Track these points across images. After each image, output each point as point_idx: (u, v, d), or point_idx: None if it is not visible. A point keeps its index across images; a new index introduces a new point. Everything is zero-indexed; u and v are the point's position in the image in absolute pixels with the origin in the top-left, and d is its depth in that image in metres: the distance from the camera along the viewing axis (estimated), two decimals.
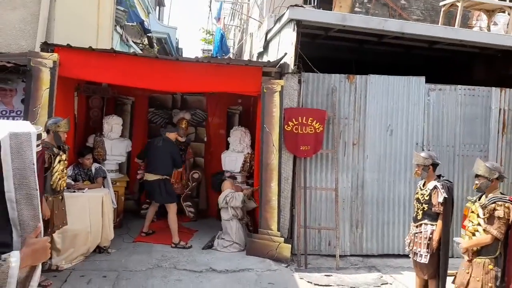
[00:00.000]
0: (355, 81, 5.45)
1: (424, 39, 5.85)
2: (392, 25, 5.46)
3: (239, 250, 5.20)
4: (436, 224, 3.66)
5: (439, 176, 3.83)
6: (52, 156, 3.91)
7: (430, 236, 3.66)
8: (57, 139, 3.97)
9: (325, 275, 4.65)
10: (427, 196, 3.72)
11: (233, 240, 5.23)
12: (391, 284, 4.54)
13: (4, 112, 4.89)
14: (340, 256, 5.07)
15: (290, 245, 5.05)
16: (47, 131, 4.01)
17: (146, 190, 5.76)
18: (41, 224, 1.40)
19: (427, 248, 3.67)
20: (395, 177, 5.50)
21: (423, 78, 5.55)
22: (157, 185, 5.33)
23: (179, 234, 5.37)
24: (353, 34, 5.93)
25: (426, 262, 3.68)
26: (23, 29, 5.26)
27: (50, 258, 4.30)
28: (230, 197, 5.30)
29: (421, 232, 3.74)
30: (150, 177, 5.37)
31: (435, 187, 3.68)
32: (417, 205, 3.82)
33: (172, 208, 5.36)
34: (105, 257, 4.72)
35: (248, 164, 6.01)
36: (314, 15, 5.35)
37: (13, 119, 4.85)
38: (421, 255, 3.71)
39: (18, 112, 4.87)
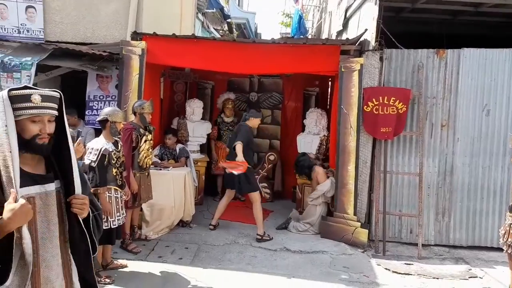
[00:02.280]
0: (446, 56, 4.95)
1: None
2: None
3: (314, 233, 5.16)
4: None
5: None
6: (139, 136, 4.27)
7: None
8: (142, 120, 4.32)
9: (405, 263, 4.41)
10: None
11: (313, 224, 5.18)
12: (481, 278, 4.13)
13: (101, 97, 5.44)
14: (423, 245, 4.75)
15: (367, 230, 4.88)
16: (134, 113, 4.38)
17: (225, 180, 5.19)
18: (14, 190, 1.31)
19: None
20: (491, 162, 4.93)
21: None
22: (237, 174, 4.88)
23: (252, 213, 5.48)
24: (445, 5, 5.36)
25: None
26: (116, 20, 5.77)
27: (140, 228, 4.75)
28: (329, 189, 5.20)
29: None
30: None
31: None
32: None
33: (254, 197, 4.97)
34: (187, 231, 5.07)
35: (324, 146, 5.89)
36: None
37: (109, 103, 5.38)
38: None
39: (113, 97, 5.39)
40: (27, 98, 1.35)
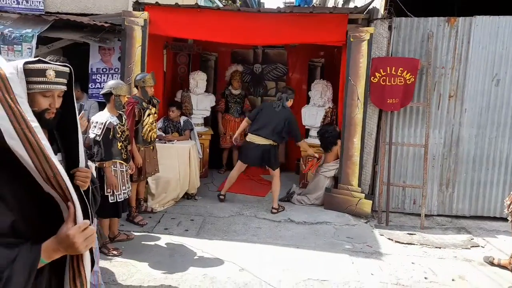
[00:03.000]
0: (457, 24, 4.80)
1: None
2: None
3: (317, 204, 5.21)
4: None
5: None
6: (142, 110, 4.25)
7: None
8: (144, 93, 4.28)
9: (408, 233, 4.47)
10: None
11: (320, 196, 5.21)
12: (483, 247, 4.19)
13: (104, 70, 5.39)
14: (426, 215, 4.79)
15: (371, 201, 4.92)
16: (136, 87, 4.34)
17: (244, 152, 5.09)
18: (71, 205, 1.11)
19: None
20: (498, 133, 4.88)
21: None
22: (267, 150, 4.90)
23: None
24: None
25: None
26: None
27: (146, 201, 4.83)
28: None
29: None
30: (260, 140, 4.89)
31: None
32: None
33: (277, 172, 5.01)
34: (192, 203, 5.14)
35: (329, 119, 5.84)
36: None
37: (112, 76, 5.33)
38: None
39: (116, 69, 5.33)
40: (42, 72, 1.33)
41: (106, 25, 4.85)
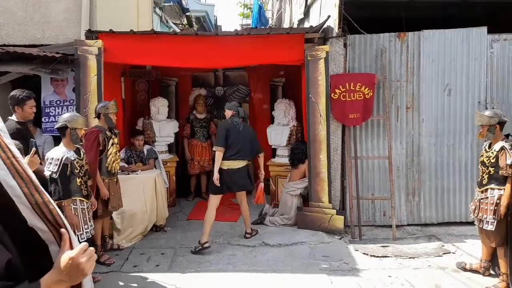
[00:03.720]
0: (407, 39, 5.03)
1: None
2: None
3: (290, 225, 5.15)
4: (503, 189, 3.35)
5: (507, 136, 3.47)
6: (106, 138, 4.05)
7: (498, 201, 3.36)
8: (108, 121, 4.09)
9: (382, 246, 4.49)
10: (493, 159, 3.39)
11: (291, 218, 5.16)
12: (454, 253, 4.28)
13: (58, 102, 5.13)
14: (396, 226, 4.86)
15: (343, 217, 4.93)
16: (97, 116, 4.15)
17: (228, 181, 4.55)
18: (64, 230, 1.04)
19: (494, 214, 3.38)
20: (455, 140, 5.09)
21: (484, 29, 4.99)
22: (244, 171, 4.65)
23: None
24: None
25: (493, 229, 3.40)
26: (68, 19, 5.43)
27: (112, 238, 4.55)
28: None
29: (487, 197, 3.45)
30: (236, 164, 4.56)
31: (502, 148, 3.34)
32: (482, 169, 3.51)
33: (244, 196, 4.79)
34: (162, 235, 4.91)
35: (294, 137, 5.86)
36: None
37: (67, 108, 5.08)
38: (487, 222, 3.44)
39: (71, 101, 5.09)
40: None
41: (57, 55, 4.63)
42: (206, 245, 4.37)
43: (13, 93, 3.74)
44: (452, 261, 4.04)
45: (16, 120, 3.66)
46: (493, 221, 3.40)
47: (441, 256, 4.21)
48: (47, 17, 5.41)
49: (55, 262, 1.00)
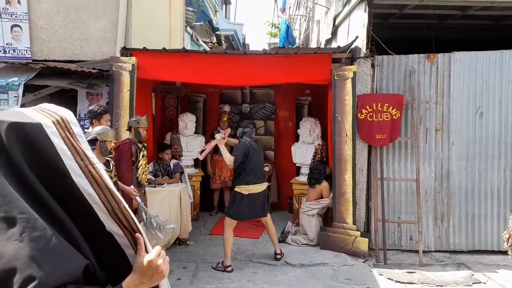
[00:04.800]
0: (437, 61, 4.97)
1: None
2: None
3: (313, 245, 5.08)
4: None
5: None
6: (138, 150, 4.18)
7: None
8: (138, 135, 4.24)
9: (407, 272, 4.35)
10: None
11: (313, 236, 5.10)
12: (484, 283, 4.09)
13: None
14: (424, 251, 4.70)
15: (367, 239, 4.82)
16: (129, 129, 4.31)
17: (248, 207, 4.39)
18: (139, 235, 1.06)
19: None
20: (487, 165, 4.92)
21: None
22: (265, 195, 4.51)
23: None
24: (432, 9, 5.40)
25: None
26: (105, 36, 5.71)
27: None
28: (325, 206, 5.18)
29: None
30: (257, 188, 4.38)
31: None
32: None
33: (269, 216, 4.67)
34: (184, 249, 4.95)
35: (319, 155, 5.84)
36: None
37: None
38: None
39: None
40: None
41: (93, 71, 4.86)
42: (229, 269, 4.28)
43: (91, 107, 4.06)
44: None
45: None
46: None
47: (471, 286, 4.03)
48: (86, 35, 5.71)
49: (134, 265, 1.04)
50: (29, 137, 0.94)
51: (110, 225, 1.03)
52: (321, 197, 5.22)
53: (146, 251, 1.06)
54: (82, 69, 4.78)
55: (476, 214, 4.93)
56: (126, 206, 1.07)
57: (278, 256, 4.62)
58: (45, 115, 1.00)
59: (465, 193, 4.95)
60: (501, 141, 4.87)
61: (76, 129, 1.05)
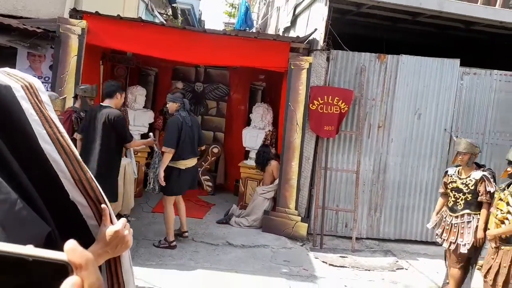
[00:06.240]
0: (386, 61, 5.25)
1: (462, 19, 5.54)
2: (431, 3, 5.16)
3: (256, 227, 5.24)
4: (478, 214, 3.56)
5: (478, 165, 3.70)
6: (79, 119, 3.98)
7: (476, 225, 3.55)
8: (84, 104, 4.03)
9: (340, 256, 4.66)
10: (472, 186, 3.58)
11: (258, 220, 5.23)
12: (406, 269, 4.51)
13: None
14: (356, 238, 5.05)
15: (307, 224, 5.06)
16: (75, 97, 4.08)
17: (187, 180, 4.39)
18: (105, 206, 1.05)
19: (472, 238, 3.54)
20: (419, 162, 5.36)
21: (457, 61, 5.30)
22: (196, 169, 4.55)
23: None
24: (386, 11, 5.66)
25: (465, 252, 3.58)
26: None
27: None
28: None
29: (463, 222, 3.61)
30: (191, 162, 4.36)
31: (482, 178, 3.55)
32: (457, 195, 3.65)
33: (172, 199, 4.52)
34: None
35: (268, 141, 5.96)
36: None
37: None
38: (464, 245, 3.58)
39: (46, 78, 4.94)
40: None
41: (38, 30, 4.49)
42: (173, 244, 4.28)
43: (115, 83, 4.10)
44: (403, 277, 4.25)
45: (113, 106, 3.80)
46: (469, 244, 3.53)
47: (395, 271, 4.43)
48: None
49: (98, 235, 1.03)
50: None
51: (75, 195, 1.01)
52: (275, 178, 5.36)
53: (111, 223, 1.05)
54: (25, 26, 4.39)
55: (405, 206, 5.38)
56: (93, 177, 1.04)
57: (186, 234, 4.57)
58: (13, 79, 0.96)
59: (398, 187, 5.37)
60: (433, 141, 5.31)
61: (44, 97, 1.01)
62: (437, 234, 3.88)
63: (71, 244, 0.48)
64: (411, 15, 5.76)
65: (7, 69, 1.00)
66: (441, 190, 3.88)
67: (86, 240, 1.03)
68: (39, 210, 0.94)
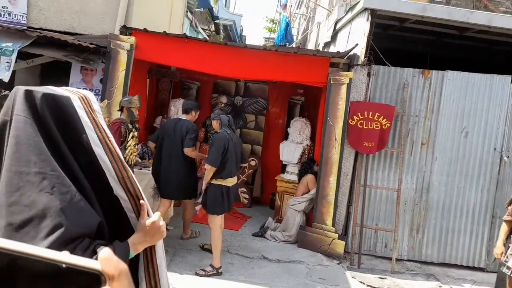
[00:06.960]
0: (431, 77, 5.09)
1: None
2: (479, 18, 4.98)
3: (291, 242, 5.18)
4: None
5: None
6: (127, 130, 4.17)
7: None
8: (130, 115, 4.23)
9: (379, 277, 4.48)
10: None
11: (294, 233, 5.18)
12: None
13: (85, 90, 5.27)
14: (396, 259, 4.85)
15: (344, 242, 4.94)
16: (121, 109, 4.29)
17: (231, 198, 4.23)
18: (143, 202, 1.22)
19: None
20: (466, 182, 5.09)
21: (508, 78, 5.04)
22: (237, 187, 4.44)
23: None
24: (431, 26, 5.52)
25: None
26: (105, 12, 5.62)
27: None
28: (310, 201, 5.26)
29: None
30: (235, 180, 4.26)
31: None
32: None
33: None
34: None
35: (306, 156, 5.93)
36: (392, 4, 5.03)
37: None
38: None
39: (97, 91, 5.23)
40: None
41: (91, 46, 4.80)
42: (220, 270, 4.06)
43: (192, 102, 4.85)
44: None
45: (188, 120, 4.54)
46: None
47: None
48: (86, 7, 5.61)
49: (138, 226, 1.20)
50: (59, 106, 1.08)
51: (118, 190, 1.17)
52: (308, 191, 5.32)
53: (148, 215, 1.21)
54: (79, 42, 4.71)
55: (450, 228, 5.11)
56: (134, 176, 1.22)
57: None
58: (71, 92, 1.15)
59: (442, 208, 5.12)
60: (482, 161, 5.04)
61: (96, 106, 1.20)
62: (505, 262, 3.58)
63: (106, 253, 0.47)
64: (458, 29, 5.58)
65: (64, 87, 1.19)
66: (508, 217, 3.59)
67: (125, 229, 1.19)
68: (92, 203, 1.10)
